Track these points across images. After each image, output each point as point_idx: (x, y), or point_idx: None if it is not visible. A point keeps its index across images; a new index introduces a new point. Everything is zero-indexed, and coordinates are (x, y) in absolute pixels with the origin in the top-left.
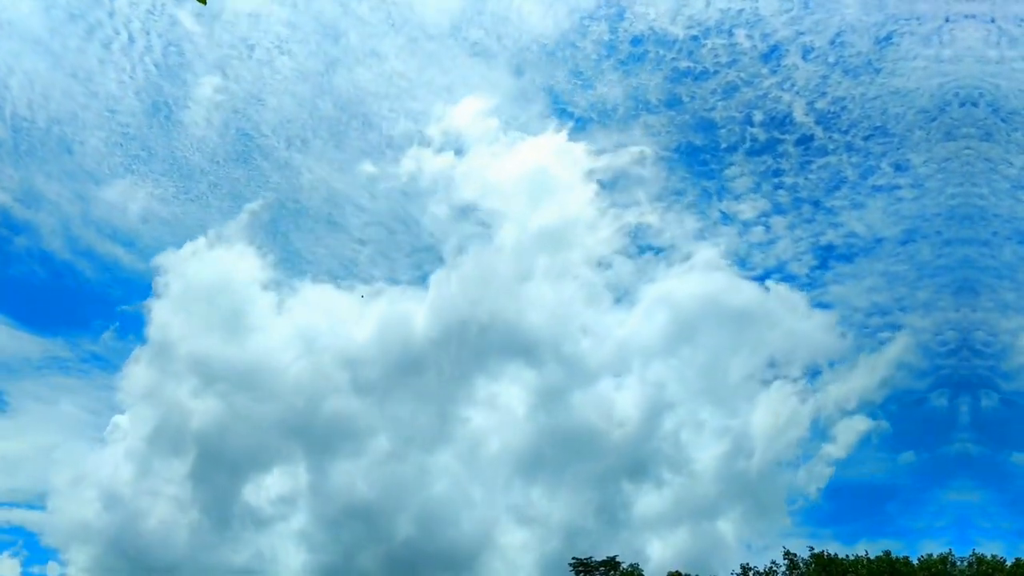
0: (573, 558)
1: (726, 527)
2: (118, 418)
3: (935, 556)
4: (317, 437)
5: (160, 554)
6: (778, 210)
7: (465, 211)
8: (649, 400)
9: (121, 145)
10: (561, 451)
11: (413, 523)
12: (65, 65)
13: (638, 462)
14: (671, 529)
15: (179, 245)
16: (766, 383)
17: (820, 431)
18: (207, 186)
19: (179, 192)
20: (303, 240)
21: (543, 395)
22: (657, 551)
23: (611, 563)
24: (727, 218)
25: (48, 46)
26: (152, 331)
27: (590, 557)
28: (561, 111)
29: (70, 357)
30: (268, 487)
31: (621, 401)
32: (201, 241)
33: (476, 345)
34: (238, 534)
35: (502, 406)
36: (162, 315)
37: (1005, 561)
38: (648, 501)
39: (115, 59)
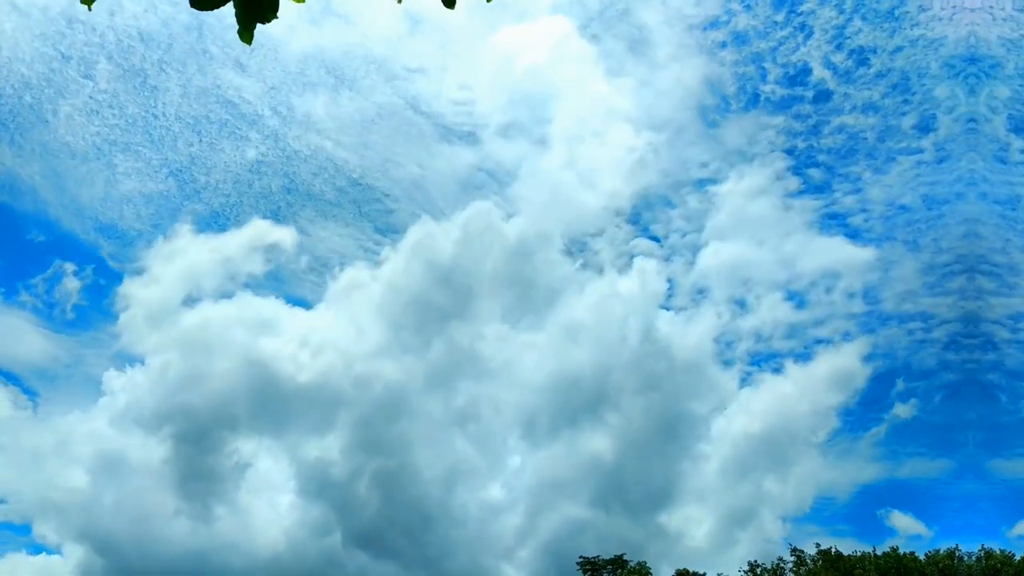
0: (580, 556)
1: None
2: (119, 405)
3: (942, 551)
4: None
5: (151, 545)
6: (799, 175)
7: (474, 173)
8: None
9: (97, 113)
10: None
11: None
12: (32, 25)
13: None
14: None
15: (162, 223)
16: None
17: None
18: (189, 159)
19: (161, 165)
20: (301, 213)
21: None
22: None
23: (618, 561)
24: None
25: (12, 2)
26: (144, 317)
27: (598, 556)
28: None
29: (70, 349)
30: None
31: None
32: (187, 218)
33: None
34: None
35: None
36: (151, 297)
37: (1014, 556)
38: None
39: (83, 19)
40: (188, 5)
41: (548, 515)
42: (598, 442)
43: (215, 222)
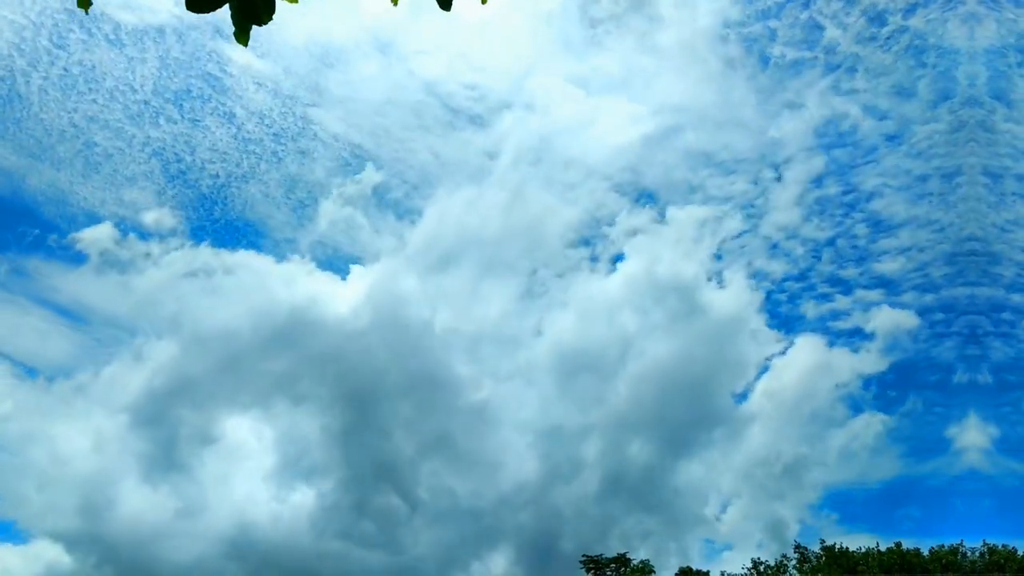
0: (584, 555)
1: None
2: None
3: (946, 547)
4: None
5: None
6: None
7: (477, 157)
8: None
9: (74, 88)
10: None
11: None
12: None
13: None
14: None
15: (147, 208)
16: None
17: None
18: (172, 136)
19: (145, 145)
20: (294, 194)
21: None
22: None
23: (622, 559)
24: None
25: None
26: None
27: (600, 554)
28: None
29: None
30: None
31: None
32: (171, 203)
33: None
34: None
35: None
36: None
37: (1016, 551)
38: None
39: None
40: None
41: (553, 502)
42: (610, 425)
43: (202, 206)
